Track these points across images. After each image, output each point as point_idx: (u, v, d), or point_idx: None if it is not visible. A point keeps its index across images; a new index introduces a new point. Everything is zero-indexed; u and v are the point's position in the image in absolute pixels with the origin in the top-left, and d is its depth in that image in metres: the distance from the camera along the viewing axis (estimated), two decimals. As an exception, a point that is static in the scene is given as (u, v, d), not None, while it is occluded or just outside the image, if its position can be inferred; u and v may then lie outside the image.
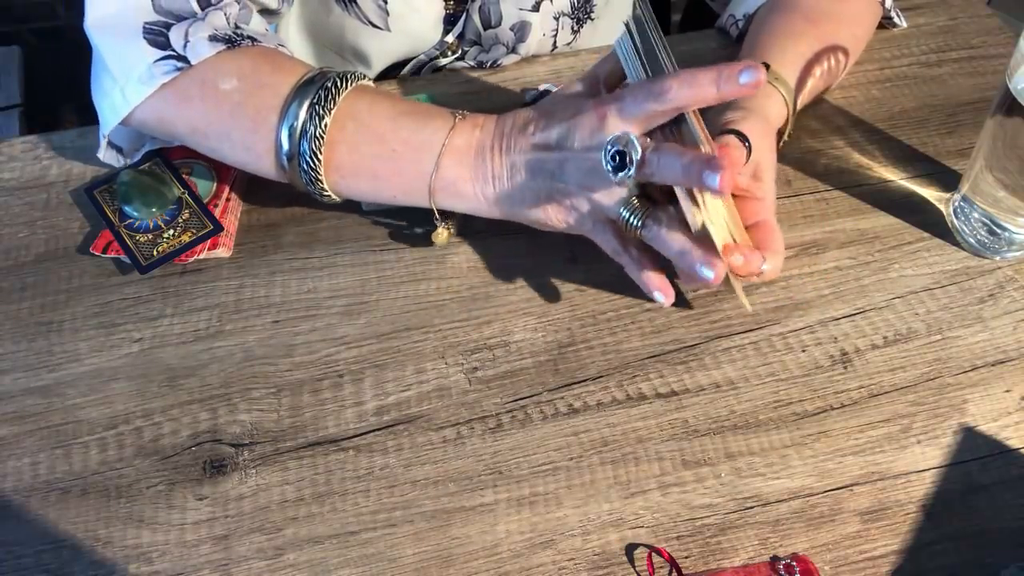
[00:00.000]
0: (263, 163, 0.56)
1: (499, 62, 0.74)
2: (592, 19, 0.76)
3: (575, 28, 0.75)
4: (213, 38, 0.56)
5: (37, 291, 0.59)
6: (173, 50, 0.56)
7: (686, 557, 0.47)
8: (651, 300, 0.54)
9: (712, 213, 0.48)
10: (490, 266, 0.60)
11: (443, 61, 0.76)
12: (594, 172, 0.50)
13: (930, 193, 0.64)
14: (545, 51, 0.76)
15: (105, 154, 0.63)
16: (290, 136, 0.53)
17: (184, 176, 0.63)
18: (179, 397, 0.54)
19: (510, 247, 0.61)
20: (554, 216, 0.54)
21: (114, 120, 0.58)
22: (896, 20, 0.75)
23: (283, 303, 0.58)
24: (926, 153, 0.67)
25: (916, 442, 0.52)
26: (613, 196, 0.51)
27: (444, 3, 0.72)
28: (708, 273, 0.48)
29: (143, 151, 0.64)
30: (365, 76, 0.57)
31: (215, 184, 0.63)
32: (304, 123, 0.53)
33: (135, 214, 0.60)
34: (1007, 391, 0.54)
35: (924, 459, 0.51)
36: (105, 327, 0.57)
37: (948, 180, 0.64)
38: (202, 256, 0.60)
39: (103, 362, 0.56)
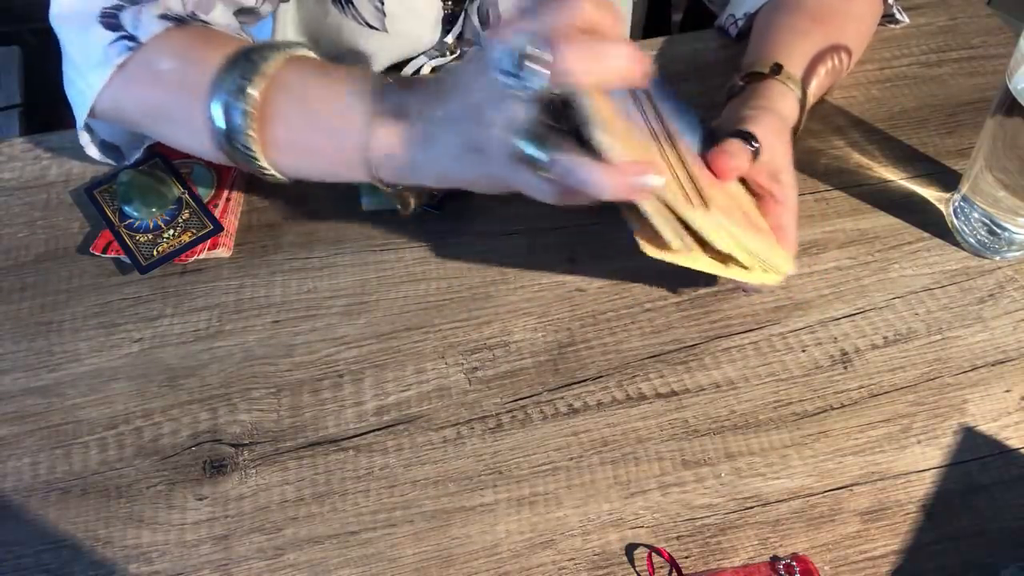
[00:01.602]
0: (206, 144, 0.52)
1: None
2: None
3: None
4: (163, 16, 0.55)
5: (37, 291, 0.59)
6: (124, 30, 0.54)
7: (686, 557, 0.47)
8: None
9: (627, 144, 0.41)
10: (490, 266, 0.60)
11: (442, 62, 0.76)
12: (499, 99, 0.43)
13: (930, 193, 0.64)
14: None
15: (100, 155, 0.62)
16: (223, 113, 0.50)
17: (184, 176, 0.63)
18: (179, 397, 0.54)
19: (510, 247, 0.61)
20: (474, 169, 0.47)
21: (84, 111, 0.57)
22: (898, 16, 0.75)
23: (283, 303, 0.58)
24: (926, 153, 0.67)
25: (916, 442, 0.52)
26: (515, 122, 0.43)
27: (442, 4, 0.72)
28: (654, 181, 0.41)
29: (141, 148, 0.64)
30: (300, 46, 0.53)
31: (215, 184, 0.63)
32: (233, 98, 0.49)
33: (135, 214, 0.60)
34: (1007, 391, 0.54)
35: (924, 459, 0.51)
36: (105, 327, 0.57)
37: (948, 180, 0.64)
38: (202, 256, 0.60)
39: (103, 362, 0.56)
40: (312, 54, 0.54)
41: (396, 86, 0.50)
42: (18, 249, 0.62)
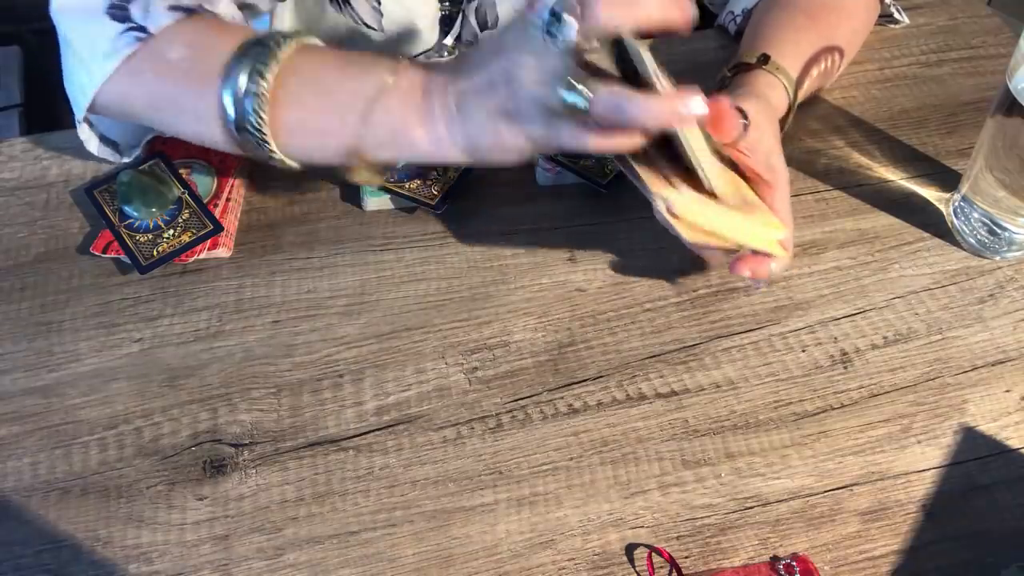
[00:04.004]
0: (214, 131, 0.53)
1: None
2: None
3: None
4: (173, 7, 0.55)
5: (37, 291, 0.59)
6: (133, 22, 0.54)
7: (686, 557, 0.47)
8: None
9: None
10: (490, 266, 0.60)
11: (440, 63, 0.75)
12: (535, 57, 0.45)
13: (930, 193, 0.64)
14: None
15: (100, 149, 0.62)
16: (234, 98, 0.50)
17: (184, 176, 0.63)
18: (179, 397, 0.54)
19: (510, 247, 0.61)
20: (508, 132, 0.47)
21: (84, 103, 0.56)
22: (897, 16, 0.75)
23: (283, 303, 0.58)
24: (926, 153, 0.67)
25: (916, 442, 0.52)
26: (550, 76, 0.44)
27: (440, 4, 0.72)
28: (695, 106, 0.43)
29: (139, 146, 0.64)
30: (312, 36, 0.54)
31: (215, 184, 0.63)
32: (246, 83, 0.50)
33: (135, 214, 0.60)
34: (1007, 391, 0.54)
35: (924, 459, 0.51)
36: (105, 327, 0.57)
37: (948, 180, 0.64)
38: (202, 256, 0.60)
39: (103, 362, 0.56)
40: (321, 43, 0.54)
41: (412, 65, 0.51)
42: (18, 249, 0.62)
